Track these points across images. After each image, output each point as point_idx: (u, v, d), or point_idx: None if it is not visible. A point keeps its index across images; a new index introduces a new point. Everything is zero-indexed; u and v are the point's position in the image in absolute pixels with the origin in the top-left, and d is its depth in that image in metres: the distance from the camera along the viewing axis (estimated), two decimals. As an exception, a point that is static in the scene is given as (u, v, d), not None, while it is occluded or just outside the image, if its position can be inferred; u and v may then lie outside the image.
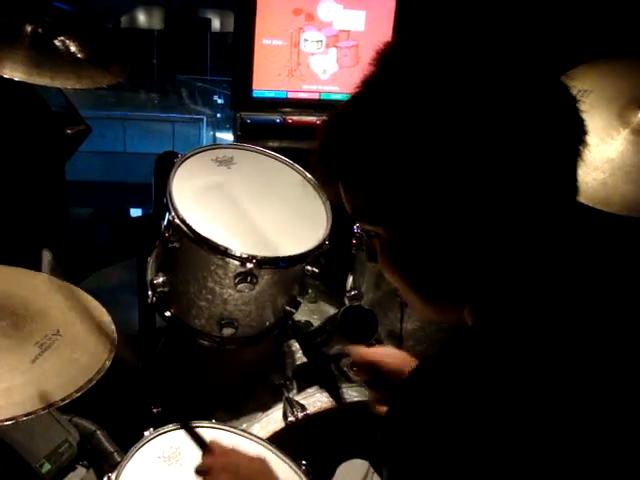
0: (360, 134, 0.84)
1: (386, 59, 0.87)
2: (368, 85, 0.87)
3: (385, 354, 1.41)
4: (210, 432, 1.63)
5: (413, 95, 0.80)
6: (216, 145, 2.20)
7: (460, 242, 0.83)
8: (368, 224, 0.91)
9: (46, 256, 1.52)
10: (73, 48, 1.97)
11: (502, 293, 0.86)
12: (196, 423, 1.63)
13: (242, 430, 1.73)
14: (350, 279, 2.23)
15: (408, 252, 0.88)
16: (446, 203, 0.80)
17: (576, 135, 0.85)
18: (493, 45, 0.84)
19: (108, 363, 1.47)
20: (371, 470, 1.73)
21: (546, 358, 0.77)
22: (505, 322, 0.83)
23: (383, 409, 1.40)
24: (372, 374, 1.39)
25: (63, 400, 1.34)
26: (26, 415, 1.29)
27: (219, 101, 7.18)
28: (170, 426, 1.62)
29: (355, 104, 0.87)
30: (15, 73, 1.83)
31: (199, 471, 1.20)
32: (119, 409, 2.05)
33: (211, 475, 1.17)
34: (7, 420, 1.27)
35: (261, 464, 1.22)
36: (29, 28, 1.95)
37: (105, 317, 1.62)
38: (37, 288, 1.65)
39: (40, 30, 1.96)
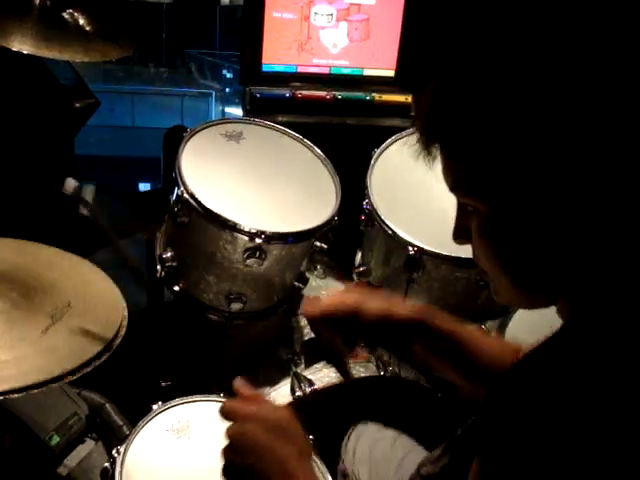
0: (473, 103, 0.77)
1: (496, 30, 0.78)
2: (477, 56, 0.79)
3: (336, 298, 1.36)
4: (217, 407, 1.64)
5: (528, 71, 0.74)
6: (225, 120, 2.19)
7: (564, 230, 0.78)
8: (469, 198, 0.86)
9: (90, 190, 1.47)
10: (82, 21, 1.96)
11: (602, 295, 0.81)
12: (204, 397, 1.64)
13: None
14: (358, 255, 2.22)
15: (507, 231, 0.83)
16: (554, 185, 0.75)
17: None
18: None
19: (118, 338, 1.47)
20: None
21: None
22: (605, 326, 0.78)
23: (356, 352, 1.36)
24: (332, 325, 1.35)
25: (71, 373, 1.34)
26: (37, 386, 1.29)
27: (228, 75, 7.13)
28: (179, 400, 1.62)
29: (466, 73, 0.79)
30: (24, 46, 1.82)
31: (223, 413, 1.11)
32: (128, 382, 2.06)
33: (237, 423, 1.09)
34: (19, 391, 1.28)
35: (288, 415, 1.13)
36: (37, 1, 1.94)
37: (114, 290, 1.63)
38: (47, 260, 1.65)
39: (48, 3, 1.95)
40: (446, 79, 0.81)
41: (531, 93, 0.73)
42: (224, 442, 1.07)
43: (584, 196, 0.75)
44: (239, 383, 1.17)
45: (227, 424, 1.10)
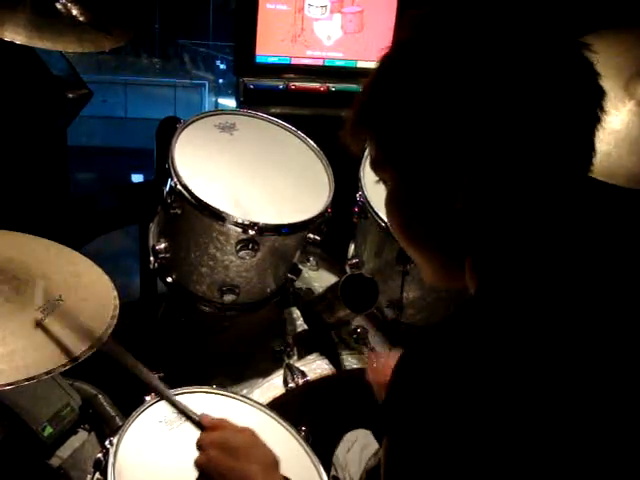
0: (395, 89, 0.92)
1: (419, 24, 0.93)
2: (403, 45, 0.95)
3: None
4: (210, 398, 1.64)
5: (442, 57, 0.87)
6: (218, 111, 2.19)
7: (464, 193, 0.86)
8: (382, 171, 0.98)
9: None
10: (75, 11, 1.95)
11: (503, 255, 0.89)
12: (196, 389, 1.64)
13: (242, 396, 1.73)
14: (351, 247, 2.23)
15: (411, 199, 0.94)
16: (457, 154, 0.85)
17: (594, 98, 0.87)
18: (514, 11, 0.89)
19: (110, 329, 1.47)
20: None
21: (545, 334, 0.79)
22: (506, 294, 0.84)
23: None
24: None
25: (64, 366, 1.34)
26: (28, 380, 1.29)
27: (221, 66, 7.10)
28: (171, 391, 1.62)
29: (393, 62, 0.96)
30: (16, 36, 1.81)
31: (197, 446, 1.23)
32: (121, 374, 2.06)
33: (203, 451, 1.20)
34: (10, 385, 1.27)
35: (249, 435, 1.24)
36: (30, -9, 1.93)
37: (107, 282, 1.62)
38: (38, 253, 1.64)
39: (41, -8, 1.94)
40: (381, 71, 0.98)
41: (443, 87, 0.86)
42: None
43: (483, 167, 0.85)
44: (204, 416, 1.32)
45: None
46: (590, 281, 0.86)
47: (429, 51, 0.88)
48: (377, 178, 1.00)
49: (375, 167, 0.99)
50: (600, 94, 0.87)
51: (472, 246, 0.91)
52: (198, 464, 1.19)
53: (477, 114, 0.83)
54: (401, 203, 0.96)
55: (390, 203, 0.98)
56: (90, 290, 1.57)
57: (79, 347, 1.39)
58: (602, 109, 0.87)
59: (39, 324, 1.41)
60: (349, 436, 1.77)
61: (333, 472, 1.69)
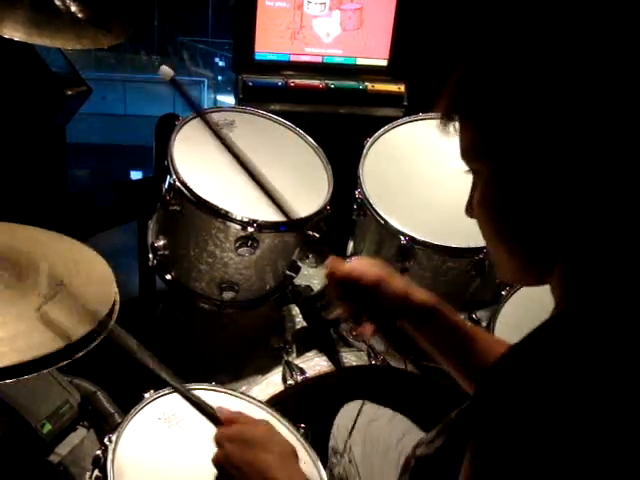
0: (496, 83, 0.86)
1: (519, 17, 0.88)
2: (504, 37, 0.88)
3: (362, 266, 1.37)
4: (210, 395, 1.64)
5: (541, 62, 0.82)
6: (218, 108, 2.19)
7: (561, 196, 0.83)
8: (478, 162, 0.93)
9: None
10: (73, 8, 1.95)
11: (601, 267, 0.84)
12: (195, 385, 1.64)
13: (241, 393, 1.74)
14: (350, 244, 2.23)
15: (507, 196, 0.89)
16: (558, 154, 0.81)
17: None
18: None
19: (114, 315, 1.47)
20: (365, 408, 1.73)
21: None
22: (600, 307, 0.80)
23: (366, 328, 1.38)
24: (346, 289, 1.36)
25: (65, 351, 1.35)
26: (31, 365, 1.30)
27: (220, 63, 7.11)
28: (170, 388, 1.62)
29: (493, 49, 0.89)
30: (15, 33, 1.81)
31: (215, 443, 1.19)
32: (120, 371, 2.06)
33: (220, 447, 1.17)
34: (12, 370, 1.28)
35: (265, 427, 1.22)
36: (29, -13, 1.93)
37: (107, 270, 1.62)
38: (39, 243, 1.64)
39: (40, -11, 1.93)
40: (475, 64, 0.89)
41: (542, 77, 0.81)
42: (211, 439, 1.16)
43: (584, 171, 0.80)
44: (218, 410, 1.25)
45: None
46: None
47: (539, 31, 0.83)
48: (467, 168, 0.96)
49: (467, 157, 0.94)
50: None
51: (566, 251, 0.87)
52: (216, 461, 1.16)
53: (591, 113, 0.79)
54: (495, 198, 0.91)
55: (481, 196, 0.93)
56: (91, 276, 1.57)
57: (81, 331, 1.39)
58: None
59: (40, 309, 1.41)
60: (347, 409, 1.76)
61: (332, 442, 1.68)
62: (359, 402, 1.74)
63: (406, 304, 1.32)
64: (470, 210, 0.99)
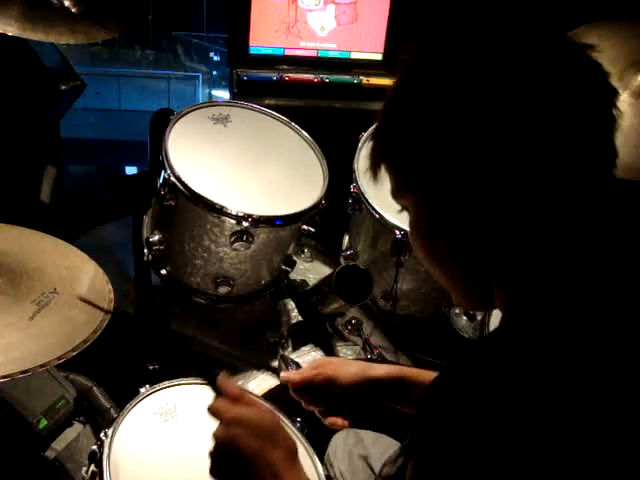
0: (405, 117, 0.92)
1: (422, 48, 0.93)
2: (409, 72, 0.94)
3: (315, 366, 1.41)
4: (204, 389, 1.64)
5: (449, 77, 0.87)
6: (212, 102, 2.18)
7: (482, 206, 0.86)
8: (402, 198, 1.00)
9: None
10: (67, 3, 1.94)
11: (529, 271, 0.87)
12: (191, 380, 1.64)
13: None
14: (346, 239, 2.23)
15: (433, 224, 0.94)
16: (472, 169, 0.85)
17: (608, 99, 0.87)
18: (511, 21, 0.90)
19: (105, 322, 1.47)
20: (363, 438, 1.76)
21: (580, 367, 0.76)
22: (535, 314, 0.83)
23: (336, 421, 1.39)
24: (310, 392, 1.39)
25: (59, 359, 1.34)
26: (24, 372, 1.29)
27: (215, 58, 7.09)
28: (166, 383, 1.63)
29: (401, 90, 0.95)
30: (8, 28, 1.80)
31: (211, 412, 1.14)
32: (115, 366, 2.06)
33: (224, 426, 1.12)
34: (5, 377, 1.27)
35: (273, 417, 1.19)
36: (22, -18, 1.92)
37: (101, 275, 1.62)
38: (33, 246, 1.64)
39: (33, -16, 1.93)
40: (392, 105, 0.97)
41: (456, 112, 0.86)
42: (211, 442, 1.11)
43: (505, 186, 0.84)
44: (224, 379, 1.19)
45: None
46: (622, 298, 0.82)
47: (436, 74, 0.88)
48: (397, 204, 1.02)
49: (396, 195, 1.00)
50: (613, 93, 0.87)
51: (497, 264, 0.90)
52: (217, 437, 1.11)
53: (490, 129, 0.83)
54: (424, 227, 0.97)
55: (414, 229, 1.00)
56: (84, 282, 1.57)
57: (74, 340, 1.39)
58: (617, 108, 0.87)
59: (34, 317, 1.41)
60: (336, 437, 1.78)
61: (325, 472, 1.69)
62: (343, 431, 1.78)
63: (369, 383, 1.34)
64: (412, 244, 1.05)
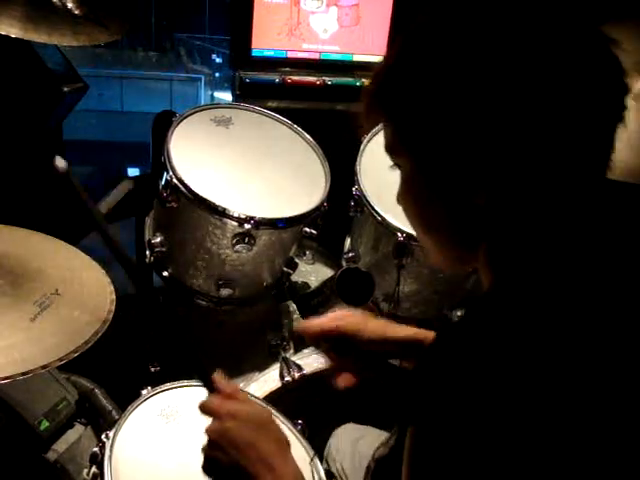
0: (418, 72, 0.89)
1: (444, 7, 0.93)
2: (425, 26, 0.93)
3: (336, 318, 1.39)
4: (207, 391, 1.64)
5: (467, 44, 0.85)
6: (214, 105, 2.18)
7: (486, 190, 0.86)
8: (396, 155, 0.97)
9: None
10: (70, 4, 1.94)
11: (521, 250, 0.89)
12: (193, 382, 1.64)
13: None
14: (348, 241, 2.23)
15: (427, 184, 0.93)
16: (481, 150, 0.84)
17: (619, 97, 0.86)
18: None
19: (106, 324, 1.47)
20: (364, 433, 1.75)
21: (557, 331, 0.79)
22: (522, 290, 0.85)
23: (345, 379, 1.38)
24: (328, 342, 1.38)
25: (61, 360, 1.34)
26: (25, 374, 1.29)
27: (218, 60, 7.09)
28: (168, 385, 1.63)
29: (415, 43, 0.92)
30: (11, 30, 1.80)
31: (204, 409, 1.14)
32: (117, 368, 2.06)
33: (218, 420, 1.12)
34: (7, 378, 1.27)
35: (265, 411, 1.19)
36: (25, -17, 1.92)
37: (103, 277, 1.62)
38: (35, 247, 1.64)
39: (36, -15, 1.93)
40: (394, 65, 0.93)
41: (450, 80, 0.85)
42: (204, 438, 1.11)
43: (502, 157, 0.84)
44: (218, 377, 1.19)
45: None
46: (605, 279, 0.85)
47: (454, 36, 0.86)
48: (390, 164, 0.99)
49: (390, 151, 0.98)
50: (624, 92, 0.86)
51: (488, 236, 0.91)
52: (210, 431, 1.11)
53: (501, 110, 0.82)
54: (417, 190, 0.96)
55: (405, 189, 0.99)
56: (86, 284, 1.57)
57: (76, 342, 1.39)
58: (625, 107, 0.86)
59: (36, 319, 1.41)
60: (339, 431, 1.77)
61: (325, 466, 1.69)
62: (345, 425, 1.78)
63: (387, 343, 1.34)
64: (399, 200, 1.04)
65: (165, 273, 2.01)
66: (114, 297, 1.56)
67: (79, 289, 1.54)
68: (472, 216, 0.90)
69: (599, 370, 0.78)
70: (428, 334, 1.34)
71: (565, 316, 0.80)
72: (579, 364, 0.78)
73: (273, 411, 1.64)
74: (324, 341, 1.38)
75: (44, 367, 1.32)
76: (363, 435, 1.72)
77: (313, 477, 1.50)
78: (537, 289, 0.84)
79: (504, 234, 0.90)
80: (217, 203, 1.79)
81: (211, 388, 1.18)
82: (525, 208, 0.87)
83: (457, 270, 1.01)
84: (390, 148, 0.97)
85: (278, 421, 1.60)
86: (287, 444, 1.14)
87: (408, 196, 0.99)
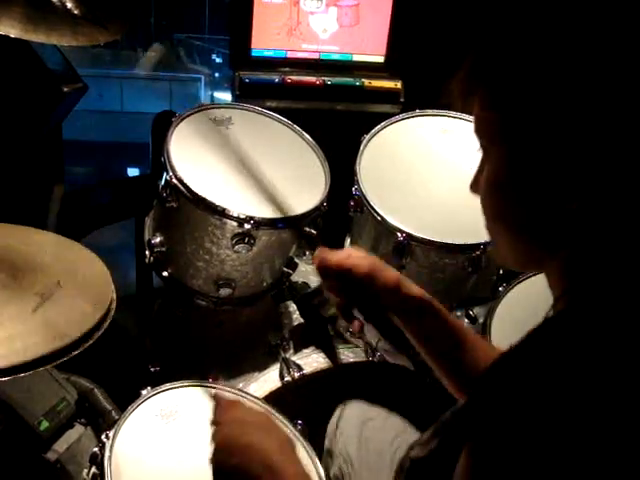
0: (520, 63, 0.84)
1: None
2: (532, 16, 0.86)
3: (352, 257, 1.33)
4: (207, 392, 1.64)
5: (572, 41, 0.80)
6: (214, 105, 2.19)
7: (576, 186, 0.81)
8: (490, 140, 0.92)
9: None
10: (69, 4, 1.94)
11: (601, 265, 0.84)
12: (194, 382, 1.64)
13: (239, 389, 1.74)
14: (347, 241, 2.23)
15: (519, 177, 0.87)
16: (574, 144, 0.80)
17: None
18: None
19: (109, 316, 1.47)
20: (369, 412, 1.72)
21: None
22: (601, 311, 0.80)
23: (352, 322, 1.35)
24: (339, 280, 1.33)
25: (61, 351, 1.35)
26: (28, 365, 1.30)
27: (217, 60, 7.07)
28: (168, 385, 1.63)
29: (519, 28, 0.86)
30: (11, 30, 1.80)
31: (211, 422, 1.16)
32: (117, 368, 2.06)
33: (219, 429, 1.13)
34: (9, 370, 1.28)
35: (265, 415, 1.21)
36: (24, -16, 1.92)
37: (104, 270, 1.62)
38: (36, 243, 1.64)
39: (36, -14, 1.93)
40: (500, 43, 0.87)
41: (562, 67, 0.80)
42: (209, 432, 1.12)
43: (600, 161, 0.79)
44: (217, 392, 1.26)
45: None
46: None
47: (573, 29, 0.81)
48: (476, 147, 0.94)
49: (483, 136, 0.92)
50: None
51: (572, 243, 0.86)
52: (214, 441, 1.12)
53: (614, 116, 0.78)
54: (505, 179, 0.90)
55: (490, 179, 0.93)
56: (88, 277, 1.57)
57: (77, 332, 1.39)
58: None
59: (37, 310, 1.41)
60: (345, 411, 1.75)
61: (327, 444, 1.67)
62: (353, 403, 1.73)
63: (397, 296, 1.30)
64: (475, 186, 0.98)
65: (165, 273, 2.01)
66: (114, 295, 1.56)
67: (81, 281, 1.55)
68: (560, 220, 0.85)
69: None
70: (440, 305, 1.30)
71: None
72: None
73: (273, 411, 1.64)
74: (335, 279, 1.33)
75: (44, 357, 1.32)
76: (371, 417, 1.69)
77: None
78: (616, 311, 0.79)
79: (591, 243, 0.85)
80: (217, 203, 1.79)
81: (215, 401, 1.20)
82: (618, 218, 0.82)
83: (521, 269, 0.96)
84: (482, 132, 0.92)
85: (278, 422, 1.61)
86: (290, 442, 1.14)
87: (493, 183, 0.92)
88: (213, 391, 1.25)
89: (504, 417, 0.75)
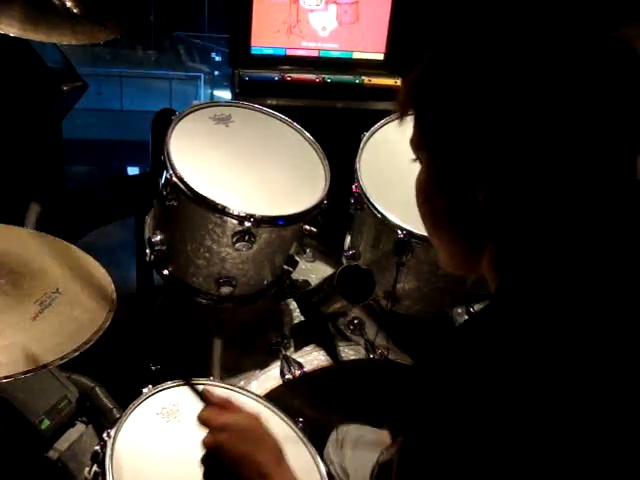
0: (442, 76, 0.92)
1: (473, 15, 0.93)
2: (456, 37, 0.93)
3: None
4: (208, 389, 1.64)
5: (486, 53, 0.86)
6: (214, 103, 2.18)
7: (488, 186, 0.86)
8: (417, 150, 1.01)
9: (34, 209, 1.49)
10: (69, 3, 1.94)
11: (527, 254, 0.86)
12: (194, 380, 1.64)
13: (240, 387, 1.74)
14: (348, 239, 2.23)
15: (439, 181, 0.95)
16: (487, 145, 0.85)
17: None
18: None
19: (107, 322, 1.47)
20: (365, 432, 1.75)
21: (569, 348, 0.76)
22: (529, 296, 0.82)
23: None
24: None
25: (62, 359, 1.34)
26: (26, 372, 1.29)
27: (217, 58, 7.09)
28: (169, 383, 1.63)
29: (444, 52, 0.93)
30: (10, 29, 1.80)
31: (200, 422, 1.18)
32: (118, 366, 2.06)
33: (211, 433, 1.16)
34: (9, 377, 1.27)
35: (258, 422, 1.21)
36: (24, -18, 1.92)
37: (104, 275, 1.62)
38: (35, 247, 1.64)
39: (35, -16, 1.93)
40: (437, 59, 0.94)
41: (491, 78, 0.85)
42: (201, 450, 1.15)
43: (522, 161, 0.83)
44: (208, 391, 1.24)
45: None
46: (616, 284, 0.82)
47: (474, 46, 0.89)
48: (410, 158, 1.02)
49: (413, 145, 1.01)
50: None
51: (493, 238, 0.90)
52: (206, 445, 1.14)
53: (512, 108, 0.82)
54: (428, 185, 0.98)
55: (419, 183, 1.01)
56: (87, 283, 1.57)
57: (77, 340, 1.39)
58: None
59: (37, 318, 1.41)
60: (338, 431, 1.78)
61: (326, 468, 1.69)
62: (345, 426, 1.78)
63: None
64: (416, 196, 1.04)
65: (165, 271, 2.01)
66: (115, 296, 1.56)
67: (80, 287, 1.54)
68: (474, 212, 0.89)
69: (609, 393, 0.75)
70: None
71: (574, 332, 0.77)
72: (590, 391, 0.74)
73: (274, 409, 1.65)
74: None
75: (45, 366, 1.32)
76: (363, 434, 1.73)
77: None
78: (541, 298, 0.81)
79: (510, 235, 0.88)
80: (217, 201, 1.79)
81: (204, 399, 1.22)
82: (532, 208, 0.85)
83: (464, 273, 0.99)
84: (413, 142, 1.01)
85: (278, 419, 1.62)
86: (280, 451, 1.17)
87: (421, 189, 1.01)
88: (201, 387, 1.24)
89: (428, 411, 0.78)
